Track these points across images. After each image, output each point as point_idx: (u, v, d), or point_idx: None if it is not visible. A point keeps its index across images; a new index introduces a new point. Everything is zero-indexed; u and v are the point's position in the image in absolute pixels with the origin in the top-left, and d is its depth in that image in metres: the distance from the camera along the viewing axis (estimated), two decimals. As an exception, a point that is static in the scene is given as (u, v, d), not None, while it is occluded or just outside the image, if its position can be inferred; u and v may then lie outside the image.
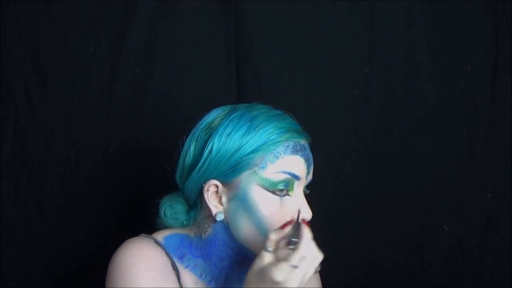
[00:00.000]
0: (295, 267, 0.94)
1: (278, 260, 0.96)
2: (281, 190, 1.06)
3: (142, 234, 1.15)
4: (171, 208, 1.17)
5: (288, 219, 1.05)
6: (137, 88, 1.53)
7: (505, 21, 1.55)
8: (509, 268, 1.58)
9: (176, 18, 1.53)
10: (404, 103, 1.58)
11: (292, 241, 0.98)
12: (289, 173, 1.07)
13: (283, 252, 0.98)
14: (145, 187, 1.40)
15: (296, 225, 1.01)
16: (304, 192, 1.11)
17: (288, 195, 1.07)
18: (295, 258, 0.95)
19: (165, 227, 1.17)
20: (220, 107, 1.15)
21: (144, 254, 1.08)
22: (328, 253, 1.53)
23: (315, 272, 0.98)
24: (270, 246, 0.98)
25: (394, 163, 1.59)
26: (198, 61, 1.55)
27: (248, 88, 1.56)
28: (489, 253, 1.59)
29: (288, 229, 1.01)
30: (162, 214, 1.17)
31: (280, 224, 1.04)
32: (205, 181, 1.09)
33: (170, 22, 1.53)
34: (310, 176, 1.11)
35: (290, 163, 1.07)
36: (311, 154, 1.11)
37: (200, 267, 1.14)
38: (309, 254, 0.96)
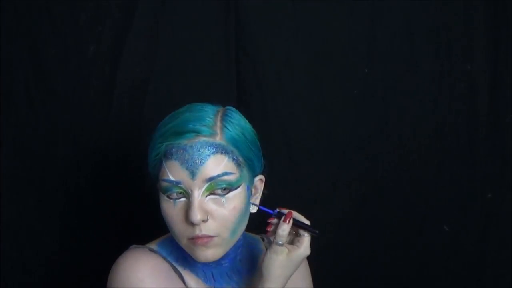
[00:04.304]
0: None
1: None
2: (172, 194, 1.07)
3: (134, 246, 1.14)
4: None
5: (183, 220, 1.06)
6: (137, 88, 1.53)
7: (505, 21, 1.55)
8: (509, 268, 1.58)
9: (176, 18, 1.53)
10: (404, 103, 1.58)
11: (298, 227, 1.11)
12: (165, 180, 1.07)
13: (287, 238, 1.10)
14: (146, 187, 1.40)
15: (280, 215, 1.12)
16: (216, 193, 1.07)
17: (185, 197, 1.07)
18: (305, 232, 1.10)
19: None
20: None
21: (147, 266, 1.09)
22: (327, 253, 1.54)
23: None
24: (282, 240, 1.08)
25: (394, 163, 1.59)
26: (198, 61, 1.55)
27: (248, 88, 1.56)
28: (489, 253, 1.59)
29: (289, 221, 1.10)
30: None
31: (178, 225, 1.07)
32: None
33: (170, 22, 1.53)
34: (205, 175, 1.05)
35: (168, 169, 1.07)
36: (197, 153, 1.05)
37: (195, 267, 1.15)
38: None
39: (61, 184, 1.51)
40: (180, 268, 1.13)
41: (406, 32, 1.57)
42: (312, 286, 1.30)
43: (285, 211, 1.11)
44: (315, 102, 1.57)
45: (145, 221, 1.28)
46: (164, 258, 1.13)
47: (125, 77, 1.52)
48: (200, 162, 1.05)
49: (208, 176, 1.05)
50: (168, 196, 1.07)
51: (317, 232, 1.10)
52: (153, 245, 1.15)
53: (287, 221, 1.09)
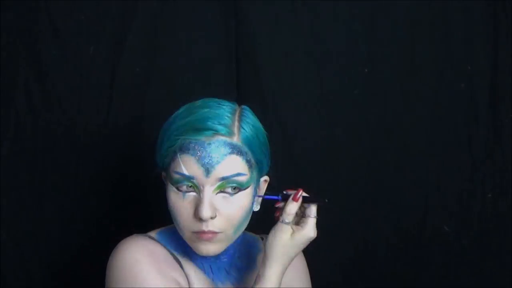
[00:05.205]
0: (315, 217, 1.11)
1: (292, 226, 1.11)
2: (182, 187, 1.08)
3: (135, 234, 1.16)
4: None
5: (191, 214, 1.07)
6: (137, 88, 1.53)
7: (505, 21, 1.55)
8: (509, 268, 1.58)
9: (176, 18, 1.53)
10: (404, 103, 1.58)
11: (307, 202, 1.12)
12: (179, 173, 1.07)
13: (293, 219, 1.11)
14: (145, 187, 1.40)
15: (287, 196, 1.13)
16: (226, 191, 1.08)
17: (194, 192, 1.08)
18: (314, 211, 1.12)
19: None
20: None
21: (144, 249, 1.10)
22: (327, 253, 1.54)
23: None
24: (289, 218, 1.10)
25: (394, 163, 1.59)
26: (198, 61, 1.55)
27: (248, 88, 1.56)
28: (489, 253, 1.59)
29: (298, 198, 1.11)
30: None
31: (185, 218, 1.08)
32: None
33: (170, 22, 1.53)
34: (219, 174, 1.06)
35: (183, 162, 1.07)
36: (214, 151, 1.06)
37: (194, 258, 1.16)
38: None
39: (61, 184, 1.51)
40: (179, 256, 1.15)
41: (406, 32, 1.57)
42: (310, 286, 1.30)
43: (292, 192, 1.12)
44: (315, 102, 1.57)
45: (145, 220, 1.28)
46: (163, 246, 1.14)
47: (125, 77, 1.52)
48: (216, 161, 1.06)
49: (221, 175, 1.07)
50: (177, 188, 1.08)
51: (326, 200, 1.10)
52: (152, 234, 1.17)
53: (297, 199, 1.10)
